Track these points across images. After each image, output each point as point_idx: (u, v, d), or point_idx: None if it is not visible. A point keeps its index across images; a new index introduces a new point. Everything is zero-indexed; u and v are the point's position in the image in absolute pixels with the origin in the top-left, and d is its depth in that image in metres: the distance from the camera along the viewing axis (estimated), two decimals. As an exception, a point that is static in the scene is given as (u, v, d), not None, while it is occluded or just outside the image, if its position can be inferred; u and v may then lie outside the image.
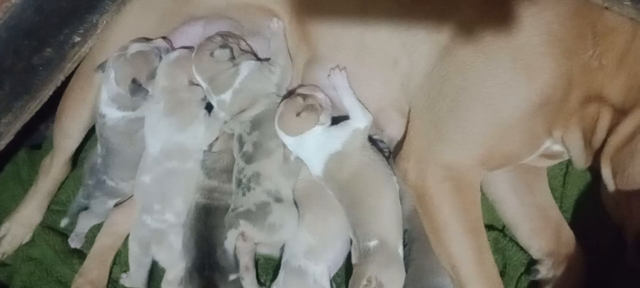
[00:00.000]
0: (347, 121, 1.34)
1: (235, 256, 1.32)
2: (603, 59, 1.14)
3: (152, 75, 1.47)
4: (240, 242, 1.31)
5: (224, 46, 1.41)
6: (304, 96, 1.34)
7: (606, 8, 1.13)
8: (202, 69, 1.41)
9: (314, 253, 1.29)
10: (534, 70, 1.14)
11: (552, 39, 1.14)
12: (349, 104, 1.34)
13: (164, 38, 1.53)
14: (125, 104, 1.47)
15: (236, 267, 1.31)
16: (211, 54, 1.40)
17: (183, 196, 1.43)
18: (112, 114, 1.48)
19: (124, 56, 1.45)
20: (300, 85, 1.43)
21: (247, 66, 1.42)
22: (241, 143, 1.38)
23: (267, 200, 1.32)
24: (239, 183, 1.35)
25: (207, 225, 1.36)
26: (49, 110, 1.53)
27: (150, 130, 1.46)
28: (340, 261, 1.33)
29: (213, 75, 1.41)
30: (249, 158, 1.35)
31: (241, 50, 1.45)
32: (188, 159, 1.44)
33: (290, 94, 1.41)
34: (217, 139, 1.47)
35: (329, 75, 1.37)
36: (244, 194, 1.32)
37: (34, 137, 1.75)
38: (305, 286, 1.28)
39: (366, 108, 1.35)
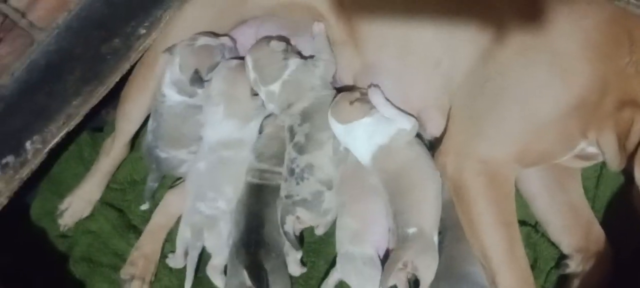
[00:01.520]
0: (394, 119, 1.40)
1: (291, 236, 1.40)
2: (639, 66, 1.18)
3: (212, 69, 1.54)
4: (295, 223, 1.40)
5: (280, 39, 1.49)
6: (361, 91, 1.41)
7: None
8: (256, 56, 1.48)
9: (357, 238, 1.36)
10: (570, 73, 1.18)
11: (590, 45, 1.18)
12: (389, 113, 1.39)
13: (229, 37, 1.59)
14: (185, 90, 1.55)
15: (294, 245, 1.40)
16: (268, 44, 1.48)
17: (234, 185, 1.50)
18: (172, 96, 1.56)
19: (191, 46, 1.52)
20: (361, 88, 1.48)
21: (294, 62, 1.49)
22: (292, 133, 1.45)
23: (320, 189, 1.40)
24: (292, 172, 1.42)
25: (258, 202, 1.45)
26: (110, 98, 1.63)
27: (210, 126, 1.53)
28: (384, 242, 1.37)
29: (264, 64, 1.48)
30: (300, 149, 1.43)
31: (292, 49, 1.52)
32: (243, 149, 1.51)
33: (349, 88, 1.48)
34: (268, 118, 1.54)
35: (369, 89, 1.42)
36: (297, 183, 1.40)
37: (96, 121, 1.83)
38: (356, 269, 1.35)
39: (407, 113, 1.40)
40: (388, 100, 1.41)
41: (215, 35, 1.58)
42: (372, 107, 1.40)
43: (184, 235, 1.49)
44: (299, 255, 1.44)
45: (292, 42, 1.57)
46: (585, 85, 1.18)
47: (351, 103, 1.39)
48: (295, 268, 1.45)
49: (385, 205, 1.37)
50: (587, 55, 1.18)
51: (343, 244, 1.39)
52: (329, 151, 1.44)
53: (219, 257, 1.48)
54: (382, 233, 1.37)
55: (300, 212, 1.39)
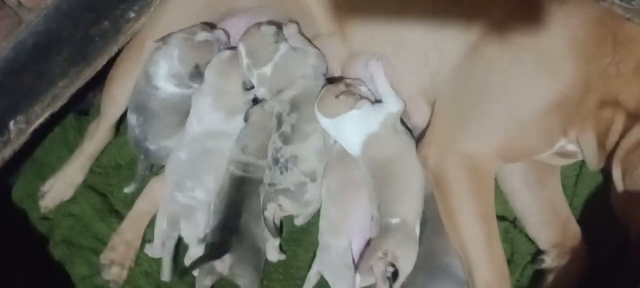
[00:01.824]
0: (381, 104, 1.42)
1: (270, 222, 1.42)
2: (621, 67, 1.19)
3: (207, 63, 1.55)
4: (276, 211, 1.41)
5: (271, 24, 1.50)
6: (347, 84, 1.42)
7: (628, 19, 1.19)
8: (248, 41, 1.50)
9: (336, 229, 1.38)
10: (555, 72, 1.20)
11: (575, 44, 1.20)
12: (383, 90, 1.42)
13: (223, 31, 1.60)
14: (183, 83, 1.55)
15: (273, 233, 1.42)
16: (259, 28, 1.49)
17: (215, 175, 1.50)
18: (168, 88, 1.56)
19: (191, 41, 1.52)
20: (347, 78, 1.50)
21: (285, 45, 1.51)
22: (280, 122, 1.46)
23: (304, 180, 1.42)
24: (276, 161, 1.43)
25: (239, 192, 1.46)
26: (98, 81, 1.62)
27: (196, 117, 1.54)
28: (362, 237, 1.38)
29: (256, 48, 1.49)
30: (286, 139, 1.44)
31: (282, 34, 1.53)
32: (227, 140, 1.52)
33: (334, 80, 1.49)
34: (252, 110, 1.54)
35: (367, 64, 1.44)
36: (281, 173, 1.41)
37: (82, 104, 1.84)
38: (330, 261, 1.37)
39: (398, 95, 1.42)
40: (386, 76, 1.43)
41: (208, 27, 1.58)
42: (359, 98, 1.41)
43: (160, 224, 1.50)
44: (277, 242, 1.45)
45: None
46: (568, 84, 1.20)
47: (337, 97, 1.40)
48: (273, 255, 1.46)
49: (370, 195, 1.38)
50: (572, 54, 1.20)
51: (323, 235, 1.41)
52: (314, 143, 1.45)
53: (196, 248, 1.48)
54: (360, 228, 1.39)
55: (283, 200, 1.40)
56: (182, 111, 1.57)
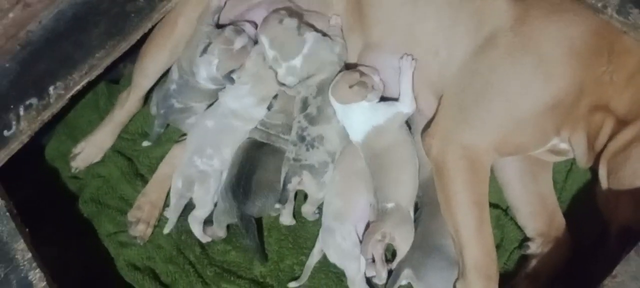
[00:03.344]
0: (394, 102, 1.51)
1: (288, 193, 1.52)
2: (614, 76, 1.29)
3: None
4: (296, 185, 1.52)
5: (291, 15, 1.56)
6: (362, 73, 1.50)
7: (624, 32, 1.27)
8: (272, 37, 1.56)
9: (340, 214, 1.48)
10: (552, 76, 1.29)
11: (573, 52, 1.29)
12: (405, 88, 1.49)
13: (251, 24, 1.66)
14: (219, 83, 1.64)
15: (284, 201, 1.53)
16: (280, 22, 1.55)
17: (232, 148, 1.60)
18: (207, 85, 1.66)
19: (230, 51, 1.58)
20: (362, 65, 1.57)
21: (311, 35, 1.57)
22: (305, 105, 1.55)
23: (327, 160, 1.52)
24: (303, 139, 1.52)
25: (258, 152, 1.57)
26: (129, 53, 1.68)
27: (231, 95, 1.61)
28: (363, 221, 1.49)
29: (282, 42, 1.55)
30: (312, 120, 1.53)
31: (303, 23, 1.60)
32: (251, 123, 1.61)
33: (351, 68, 1.57)
34: (276, 97, 1.63)
35: (402, 58, 1.50)
36: (307, 150, 1.51)
37: (113, 74, 1.94)
38: (334, 243, 1.47)
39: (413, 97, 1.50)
40: (412, 76, 1.50)
41: (240, 27, 1.65)
42: (371, 91, 1.49)
43: (176, 185, 1.60)
44: (291, 208, 1.57)
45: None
46: (563, 89, 1.30)
47: (351, 86, 1.48)
48: (287, 219, 1.58)
49: (368, 182, 1.48)
50: (569, 61, 1.29)
51: (327, 218, 1.51)
52: (336, 125, 1.55)
53: (203, 209, 1.59)
54: (362, 214, 1.48)
55: (306, 175, 1.50)
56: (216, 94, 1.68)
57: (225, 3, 1.68)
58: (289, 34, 1.56)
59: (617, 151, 1.30)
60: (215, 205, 1.61)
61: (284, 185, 1.52)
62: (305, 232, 1.63)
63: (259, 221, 1.63)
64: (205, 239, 1.62)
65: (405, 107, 1.49)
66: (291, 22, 1.56)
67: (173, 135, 1.81)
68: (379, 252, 1.45)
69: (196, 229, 1.61)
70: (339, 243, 1.46)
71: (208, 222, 1.62)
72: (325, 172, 1.52)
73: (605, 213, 1.35)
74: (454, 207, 1.34)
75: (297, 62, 1.57)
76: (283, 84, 1.60)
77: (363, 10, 1.58)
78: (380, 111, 1.49)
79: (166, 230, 1.63)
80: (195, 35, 1.67)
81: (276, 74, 1.60)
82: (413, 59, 1.50)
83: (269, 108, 1.63)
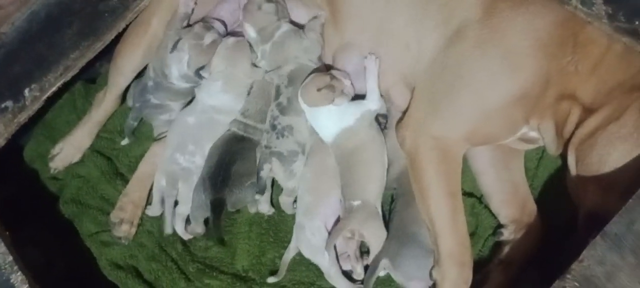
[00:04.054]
0: (362, 101, 1.53)
1: (263, 181, 1.55)
2: (579, 65, 1.32)
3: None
4: (269, 173, 1.55)
5: (269, 1, 1.59)
6: (332, 77, 1.51)
7: (589, 22, 1.29)
8: (253, 21, 1.59)
9: (309, 211, 1.51)
10: (518, 67, 1.32)
11: (538, 44, 1.32)
12: (371, 86, 1.52)
13: (220, 22, 1.68)
14: (191, 80, 1.66)
15: (262, 190, 1.55)
16: (259, 7, 1.58)
17: (213, 143, 1.61)
18: (180, 84, 1.67)
19: (200, 46, 1.60)
20: (335, 68, 1.59)
21: (286, 25, 1.60)
22: (278, 93, 1.58)
23: (296, 149, 1.55)
24: (274, 127, 1.55)
25: (236, 145, 1.58)
26: (105, 52, 1.68)
27: (206, 92, 1.63)
28: (333, 218, 1.51)
29: (262, 26, 1.59)
30: (283, 110, 1.56)
31: (282, 7, 1.62)
32: (232, 115, 1.62)
33: (324, 70, 1.59)
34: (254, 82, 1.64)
35: (366, 57, 1.53)
36: (278, 138, 1.54)
37: (90, 73, 1.94)
38: (305, 239, 1.50)
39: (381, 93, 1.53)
40: (377, 74, 1.53)
41: (208, 22, 1.66)
42: (339, 95, 1.50)
43: (159, 183, 1.62)
44: (268, 196, 1.59)
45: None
46: (530, 79, 1.33)
47: (318, 90, 1.49)
48: (265, 207, 1.60)
49: (338, 180, 1.50)
50: (535, 52, 1.32)
51: (298, 214, 1.54)
52: (305, 118, 1.57)
53: (186, 206, 1.60)
54: (332, 210, 1.51)
55: (275, 162, 1.53)
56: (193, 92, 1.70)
57: (193, 10, 1.70)
58: (268, 18, 1.59)
59: (583, 138, 1.33)
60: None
61: (258, 172, 1.55)
62: (286, 226, 1.66)
63: (238, 217, 1.66)
64: (186, 236, 1.63)
65: (373, 103, 1.52)
66: (270, 7, 1.59)
67: (152, 133, 1.81)
68: (352, 248, 1.49)
69: (179, 226, 1.62)
70: (309, 239, 1.49)
71: (187, 221, 1.64)
72: (294, 161, 1.54)
73: (575, 199, 1.40)
74: (427, 197, 1.38)
75: (267, 47, 1.60)
76: (257, 67, 1.63)
77: (336, 5, 1.59)
78: (349, 112, 1.51)
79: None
80: (164, 39, 1.68)
81: (256, 57, 1.63)
82: (376, 58, 1.52)
83: (248, 93, 1.65)
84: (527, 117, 1.39)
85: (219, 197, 1.53)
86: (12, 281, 1.34)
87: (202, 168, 1.60)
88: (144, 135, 1.82)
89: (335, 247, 1.48)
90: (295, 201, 1.60)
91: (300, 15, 1.69)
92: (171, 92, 1.70)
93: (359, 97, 1.57)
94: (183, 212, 1.61)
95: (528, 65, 1.32)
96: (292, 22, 1.66)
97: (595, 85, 1.33)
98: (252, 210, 1.62)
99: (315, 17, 1.63)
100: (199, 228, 1.59)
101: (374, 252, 1.44)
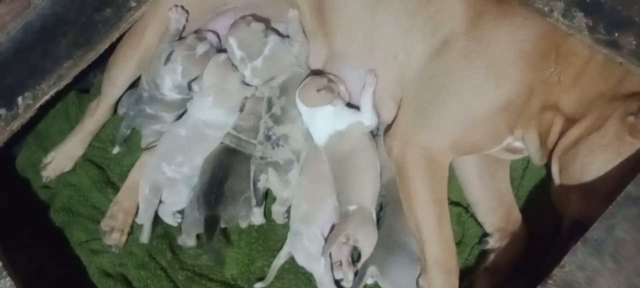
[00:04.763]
0: (357, 111, 1.56)
1: (260, 193, 1.56)
2: (562, 76, 1.35)
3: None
4: (265, 183, 1.56)
5: (257, 20, 1.63)
6: (329, 79, 1.56)
7: (570, 34, 1.33)
8: (240, 38, 1.62)
9: (306, 218, 1.52)
10: (503, 78, 1.35)
11: (522, 55, 1.35)
12: (366, 102, 1.54)
13: (213, 33, 1.72)
14: (184, 91, 1.68)
15: (260, 202, 1.56)
16: (248, 25, 1.61)
17: (204, 156, 1.63)
18: (172, 95, 1.69)
19: (193, 56, 1.64)
20: (329, 73, 1.62)
21: (273, 38, 1.63)
22: (270, 105, 1.60)
23: (292, 158, 1.57)
24: (268, 138, 1.57)
25: (229, 160, 1.60)
26: (98, 62, 1.69)
27: (198, 108, 1.65)
28: (329, 224, 1.53)
29: (249, 42, 1.62)
30: (277, 120, 1.58)
31: (270, 27, 1.66)
32: (225, 130, 1.64)
33: (319, 73, 1.62)
34: (247, 98, 1.67)
35: (367, 73, 1.54)
36: (273, 148, 1.56)
37: (83, 83, 1.95)
38: (301, 246, 1.51)
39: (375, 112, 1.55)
40: (374, 92, 1.55)
41: (201, 34, 1.70)
42: (336, 96, 1.54)
43: (143, 191, 1.63)
44: (262, 208, 1.60)
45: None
46: (514, 89, 1.36)
47: (318, 90, 1.53)
48: (259, 219, 1.61)
49: (333, 186, 1.52)
50: (519, 63, 1.35)
51: (294, 221, 1.55)
52: (301, 125, 1.60)
53: (174, 207, 1.62)
54: (328, 217, 1.53)
55: (271, 172, 1.55)
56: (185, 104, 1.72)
57: (184, 27, 1.73)
58: (256, 36, 1.63)
59: (566, 148, 1.36)
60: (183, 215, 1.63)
61: (254, 184, 1.56)
62: (275, 235, 1.67)
63: (225, 230, 1.67)
64: (174, 222, 1.64)
65: (366, 119, 1.54)
66: (258, 26, 1.62)
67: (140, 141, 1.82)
68: (344, 254, 1.50)
69: (169, 219, 1.64)
70: (305, 246, 1.50)
71: (178, 230, 1.65)
72: (289, 170, 1.56)
73: (559, 208, 1.42)
74: (414, 205, 1.39)
75: (258, 63, 1.63)
76: (248, 85, 1.65)
77: (325, 16, 1.62)
78: (343, 117, 1.54)
79: (144, 240, 1.65)
80: (157, 52, 1.71)
81: (243, 76, 1.65)
82: (376, 75, 1.54)
83: (241, 110, 1.67)
84: (511, 127, 1.41)
85: (213, 214, 1.54)
86: (1, 286, 1.35)
87: (189, 178, 1.62)
88: (135, 145, 1.83)
89: (330, 254, 1.50)
90: (287, 211, 1.61)
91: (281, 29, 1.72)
92: (164, 104, 1.72)
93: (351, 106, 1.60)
94: (170, 209, 1.62)
95: (512, 76, 1.35)
96: (276, 32, 1.70)
97: (577, 96, 1.36)
98: (243, 225, 1.63)
99: (290, 22, 1.67)
100: (190, 241, 1.60)
101: (364, 257, 1.46)
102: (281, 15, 1.71)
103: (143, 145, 1.78)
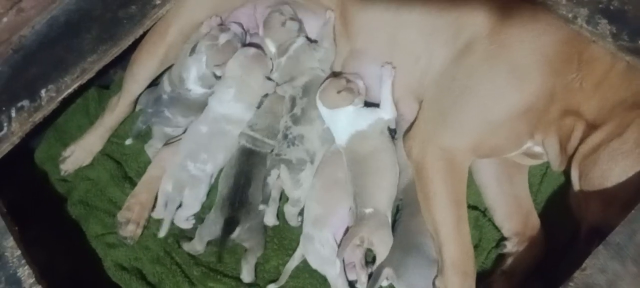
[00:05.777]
0: (376, 108, 1.57)
1: (269, 188, 1.57)
2: (583, 82, 1.36)
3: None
4: (276, 180, 1.57)
5: (293, 19, 1.65)
6: (348, 80, 1.57)
7: (594, 41, 1.34)
8: (274, 37, 1.65)
9: (319, 222, 1.52)
10: (524, 82, 1.36)
11: (544, 60, 1.35)
12: (385, 95, 1.56)
13: (237, 24, 1.74)
14: (208, 83, 1.71)
15: (266, 199, 1.57)
16: (283, 24, 1.64)
17: (226, 153, 1.65)
18: (197, 90, 1.72)
19: (216, 46, 1.66)
20: (346, 72, 1.64)
21: (301, 40, 1.66)
22: (293, 104, 1.62)
23: (305, 158, 1.58)
24: (286, 136, 1.59)
25: (248, 163, 1.62)
26: (119, 59, 1.72)
27: (218, 101, 1.67)
28: (342, 229, 1.52)
29: (282, 41, 1.65)
30: (296, 120, 1.60)
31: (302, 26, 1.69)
32: (241, 125, 1.66)
33: (337, 74, 1.64)
34: (266, 95, 1.69)
35: (383, 66, 1.57)
36: (288, 146, 1.58)
37: (104, 79, 1.98)
38: (314, 249, 1.52)
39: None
40: (392, 83, 1.56)
41: (222, 24, 1.73)
42: (356, 96, 1.55)
43: (165, 187, 1.64)
44: (275, 208, 1.62)
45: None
46: (535, 94, 1.36)
47: (338, 92, 1.55)
48: (271, 219, 1.62)
49: (348, 188, 1.52)
50: (541, 68, 1.36)
51: (306, 224, 1.55)
52: (318, 127, 1.61)
53: (189, 211, 1.64)
54: (341, 222, 1.53)
55: (283, 169, 1.56)
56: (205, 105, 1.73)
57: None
58: (289, 34, 1.66)
59: (587, 154, 1.36)
60: (202, 220, 1.64)
61: (264, 179, 1.57)
62: (291, 234, 1.67)
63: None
64: (185, 225, 1.67)
65: (386, 113, 1.55)
66: (293, 25, 1.65)
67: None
68: (358, 256, 1.50)
69: (183, 224, 1.66)
70: (317, 250, 1.51)
71: (187, 237, 1.66)
72: (301, 170, 1.57)
73: (577, 214, 1.42)
74: (433, 206, 1.40)
75: (282, 60, 1.66)
76: (270, 81, 1.67)
77: (348, 17, 1.64)
78: (363, 116, 1.55)
79: (161, 234, 1.65)
80: (183, 50, 1.74)
81: (270, 70, 1.68)
82: (393, 68, 1.56)
83: (258, 106, 1.69)
84: (532, 132, 1.42)
85: (234, 216, 1.55)
86: (18, 274, 1.36)
87: (210, 176, 1.64)
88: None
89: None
90: (300, 213, 1.62)
91: (309, 22, 1.74)
92: (184, 105, 1.74)
93: (369, 104, 1.61)
94: (186, 214, 1.64)
95: (534, 80, 1.36)
96: (306, 37, 1.72)
97: (599, 102, 1.36)
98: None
99: (325, 23, 1.68)
100: (200, 246, 1.61)
101: (379, 260, 1.46)
102: (307, 8, 1.71)
103: (147, 147, 1.81)
